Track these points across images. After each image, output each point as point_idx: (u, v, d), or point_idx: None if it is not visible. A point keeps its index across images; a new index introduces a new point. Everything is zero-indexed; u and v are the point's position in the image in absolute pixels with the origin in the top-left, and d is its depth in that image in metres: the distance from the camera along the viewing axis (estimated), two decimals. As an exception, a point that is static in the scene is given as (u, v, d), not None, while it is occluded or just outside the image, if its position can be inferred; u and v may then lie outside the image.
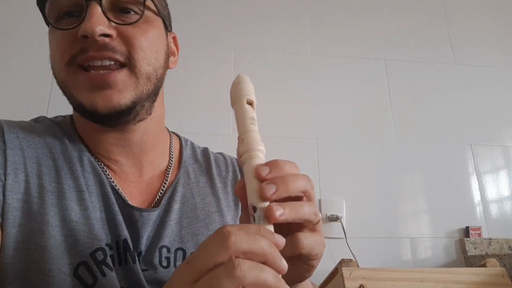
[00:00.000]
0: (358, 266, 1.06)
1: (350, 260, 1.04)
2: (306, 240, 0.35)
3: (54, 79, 0.51)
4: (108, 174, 0.52)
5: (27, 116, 1.30)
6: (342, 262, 1.02)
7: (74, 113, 0.56)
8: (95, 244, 0.46)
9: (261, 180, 0.33)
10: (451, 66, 1.61)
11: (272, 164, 0.34)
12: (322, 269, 1.17)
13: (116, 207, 0.50)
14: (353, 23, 1.61)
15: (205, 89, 1.41)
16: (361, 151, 1.43)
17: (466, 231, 1.37)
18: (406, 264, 1.31)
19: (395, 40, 1.61)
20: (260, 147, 0.36)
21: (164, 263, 0.51)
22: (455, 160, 1.48)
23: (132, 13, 0.49)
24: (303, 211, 0.34)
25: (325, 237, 1.28)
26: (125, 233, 0.49)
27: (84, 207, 0.48)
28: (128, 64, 0.47)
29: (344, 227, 1.29)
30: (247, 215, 0.34)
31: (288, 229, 0.36)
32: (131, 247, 0.49)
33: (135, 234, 0.51)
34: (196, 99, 1.39)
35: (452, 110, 1.54)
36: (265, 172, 0.33)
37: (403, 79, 1.56)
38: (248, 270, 0.27)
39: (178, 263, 0.52)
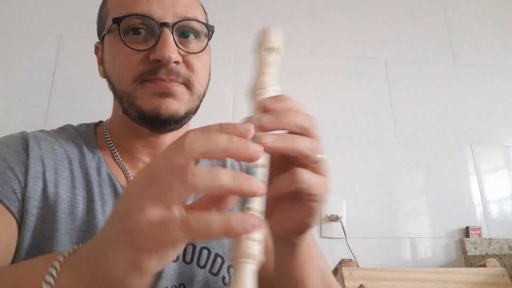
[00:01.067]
0: (358, 266, 1.06)
1: (350, 260, 1.04)
2: (305, 175, 0.34)
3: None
4: (129, 174, 0.57)
5: (26, 116, 1.30)
6: (342, 262, 1.02)
7: (115, 118, 0.61)
8: None
9: (263, 111, 0.33)
10: (451, 66, 1.61)
11: (277, 98, 0.34)
12: (322, 269, 1.18)
13: None
14: (353, 23, 1.61)
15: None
16: (361, 151, 1.43)
17: (466, 231, 1.37)
18: (406, 264, 1.31)
19: (395, 40, 1.61)
20: (272, 87, 0.36)
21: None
22: (455, 160, 1.48)
23: (192, 36, 0.55)
24: (298, 142, 0.33)
25: (325, 237, 1.29)
26: None
27: (92, 217, 0.51)
28: (187, 85, 0.54)
29: (344, 227, 1.29)
30: None
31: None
32: None
33: None
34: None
35: (452, 110, 1.54)
36: (270, 103, 0.34)
37: (403, 79, 1.56)
38: (200, 175, 0.27)
39: (187, 257, 0.54)
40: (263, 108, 0.33)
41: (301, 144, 0.33)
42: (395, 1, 1.68)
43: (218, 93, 1.39)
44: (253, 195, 0.29)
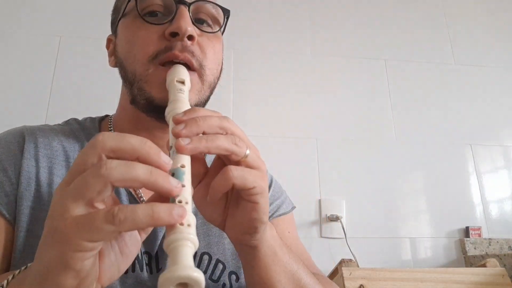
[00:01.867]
0: (358, 266, 1.06)
1: (350, 260, 1.04)
2: (237, 171, 0.34)
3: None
4: None
5: (26, 116, 1.30)
6: (342, 262, 1.02)
7: (121, 112, 0.60)
8: None
9: (177, 123, 0.34)
10: (451, 66, 1.61)
11: (187, 110, 0.36)
12: (322, 269, 1.17)
13: None
14: (353, 23, 1.61)
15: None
16: (361, 151, 1.43)
17: (466, 231, 1.37)
18: (406, 264, 1.31)
19: (395, 40, 1.61)
20: (184, 108, 0.39)
21: None
22: (455, 160, 1.48)
23: (205, 25, 0.54)
24: (218, 140, 0.34)
25: (325, 237, 1.29)
26: None
27: None
28: (198, 70, 0.52)
29: (344, 227, 1.29)
30: None
31: None
32: (139, 255, 0.50)
33: (152, 237, 0.52)
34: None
35: (452, 110, 1.54)
36: (179, 115, 0.35)
37: (403, 79, 1.56)
38: (114, 167, 0.27)
39: None
40: (176, 121, 0.34)
41: (221, 142, 0.34)
42: (395, 1, 1.68)
43: (218, 93, 1.39)
44: (168, 193, 0.29)
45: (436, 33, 1.66)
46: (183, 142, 0.32)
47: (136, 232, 0.33)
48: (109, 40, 0.61)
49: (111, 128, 0.60)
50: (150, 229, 0.34)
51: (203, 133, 0.34)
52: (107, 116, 0.64)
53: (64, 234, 0.27)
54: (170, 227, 0.29)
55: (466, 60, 1.63)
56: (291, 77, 1.49)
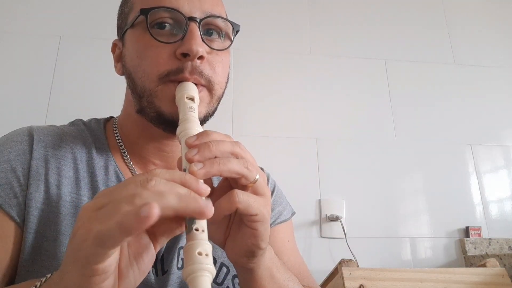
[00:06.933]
0: (358, 266, 1.06)
1: (350, 260, 1.04)
2: (243, 195, 0.35)
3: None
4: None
5: (26, 116, 1.29)
6: (342, 262, 1.02)
7: (127, 118, 0.59)
8: None
9: (190, 147, 0.36)
10: (451, 66, 1.61)
11: (200, 134, 0.37)
12: (322, 269, 1.18)
13: None
14: (353, 23, 1.61)
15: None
16: (361, 151, 1.43)
17: (466, 231, 1.37)
18: (406, 264, 1.31)
19: (395, 40, 1.61)
20: (196, 128, 0.40)
21: (179, 265, 0.52)
22: (455, 160, 1.48)
23: (214, 36, 0.54)
24: (230, 164, 0.35)
25: (325, 237, 1.29)
26: None
27: None
28: (208, 86, 0.52)
29: (344, 227, 1.29)
30: None
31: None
32: None
33: None
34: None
35: (452, 110, 1.54)
36: (192, 140, 0.36)
37: (403, 79, 1.56)
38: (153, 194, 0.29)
39: None
40: (189, 145, 0.36)
41: (233, 165, 0.35)
42: (395, 1, 1.68)
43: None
44: (203, 215, 0.30)
45: (436, 33, 1.66)
46: (196, 167, 0.33)
47: (152, 247, 0.34)
48: (114, 45, 0.60)
49: (116, 132, 0.59)
50: (165, 241, 0.35)
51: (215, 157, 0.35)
52: (111, 118, 0.63)
53: (81, 257, 0.28)
54: (189, 256, 0.30)
55: (466, 60, 1.63)
56: (291, 77, 1.49)
